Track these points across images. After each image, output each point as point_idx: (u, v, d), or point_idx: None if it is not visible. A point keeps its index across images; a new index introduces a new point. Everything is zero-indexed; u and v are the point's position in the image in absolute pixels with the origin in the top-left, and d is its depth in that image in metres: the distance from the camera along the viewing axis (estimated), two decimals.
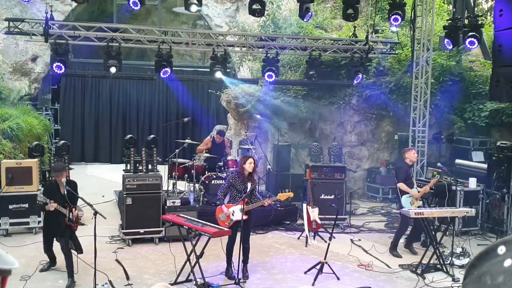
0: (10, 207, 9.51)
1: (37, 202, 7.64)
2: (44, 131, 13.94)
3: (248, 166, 7.77)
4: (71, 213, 7.42)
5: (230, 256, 7.84)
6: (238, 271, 7.55)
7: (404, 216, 8.80)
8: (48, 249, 7.78)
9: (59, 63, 10.36)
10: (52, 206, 7.26)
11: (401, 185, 9.13)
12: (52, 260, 7.90)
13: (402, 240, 9.45)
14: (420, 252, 8.96)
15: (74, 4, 15.19)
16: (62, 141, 11.36)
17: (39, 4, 14.78)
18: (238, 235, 7.79)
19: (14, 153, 11.21)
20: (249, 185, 7.73)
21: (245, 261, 7.90)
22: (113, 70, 10.75)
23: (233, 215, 7.65)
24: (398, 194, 9.26)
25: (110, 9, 17.27)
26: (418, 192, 9.11)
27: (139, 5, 10.20)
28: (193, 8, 10.30)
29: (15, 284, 7.06)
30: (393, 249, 9.25)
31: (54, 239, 7.71)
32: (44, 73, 16.10)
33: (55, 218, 7.44)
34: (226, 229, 7.49)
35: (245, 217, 7.60)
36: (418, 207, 8.94)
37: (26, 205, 9.63)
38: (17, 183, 9.61)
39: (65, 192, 7.42)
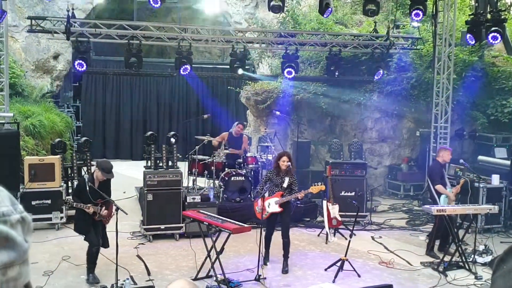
0: (33, 203, 9.63)
1: (68, 202, 7.47)
2: (66, 128, 14.09)
3: (282, 164, 8.02)
4: (101, 210, 7.38)
5: (267, 245, 8.19)
6: (258, 268, 7.57)
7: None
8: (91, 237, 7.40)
9: (80, 61, 10.47)
10: (90, 210, 7.19)
11: (439, 188, 8.85)
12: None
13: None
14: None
15: (95, 2, 15.39)
16: (84, 138, 11.50)
17: (61, 2, 14.97)
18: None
19: (36, 149, 11.36)
20: (286, 179, 8.01)
21: (285, 255, 8.08)
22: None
23: (268, 207, 8.00)
24: (434, 194, 8.95)
25: (131, 7, 17.39)
26: (452, 192, 8.93)
27: (159, 2, 10.26)
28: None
29: (38, 279, 7.15)
30: (430, 250, 9.01)
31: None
32: (65, 70, 16.30)
33: (85, 214, 7.30)
34: (246, 225, 7.51)
35: (280, 209, 7.97)
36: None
37: (49, 201, 9.75)
38: (40, 180, 9.73)
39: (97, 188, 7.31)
